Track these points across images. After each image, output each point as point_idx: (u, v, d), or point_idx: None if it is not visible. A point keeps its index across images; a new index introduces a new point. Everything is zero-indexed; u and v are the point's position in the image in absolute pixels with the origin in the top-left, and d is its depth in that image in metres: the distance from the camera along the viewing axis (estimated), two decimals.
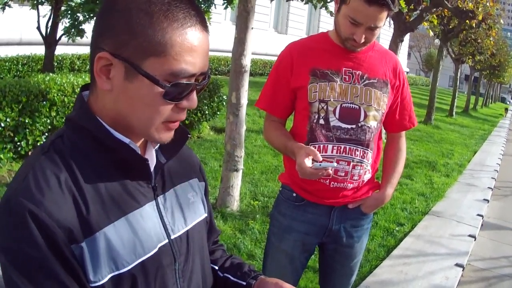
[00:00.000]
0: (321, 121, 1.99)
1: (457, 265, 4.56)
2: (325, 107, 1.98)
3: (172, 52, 0.88)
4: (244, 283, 1.23)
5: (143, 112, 0.92)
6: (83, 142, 0.95)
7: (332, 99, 1.97)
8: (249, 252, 4.11)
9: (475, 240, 5.42)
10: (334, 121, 1.98)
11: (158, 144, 1.07)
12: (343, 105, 1.98)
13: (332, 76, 1.98)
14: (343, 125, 1.98)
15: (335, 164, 1.94)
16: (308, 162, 1.81)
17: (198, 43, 0.91)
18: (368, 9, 1.81)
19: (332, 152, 1.98)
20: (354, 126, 1.99)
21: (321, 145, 1.99)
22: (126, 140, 0.97)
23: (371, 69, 2.02)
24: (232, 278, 1.26)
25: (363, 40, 1.90)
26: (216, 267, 1.28)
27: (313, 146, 1.98)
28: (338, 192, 2.05)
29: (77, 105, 1.00)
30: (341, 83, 1.98)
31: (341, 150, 1.99)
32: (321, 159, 1.83)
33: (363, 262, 4.20)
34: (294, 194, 2.12)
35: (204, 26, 0.93)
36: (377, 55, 2.06)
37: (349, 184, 2.04)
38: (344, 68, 1.99)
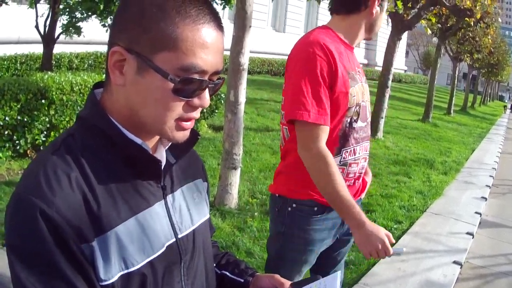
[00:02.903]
0: (353, 124, 1.93)
1: (455, 262, 4.57)
2: (358, 110, 1.93)
3: (183, 46, 0.88)
4: (242, 280, 1.26)
5: (154, 108, 0.92)
6: (94, 141, 0.95)
7: (361, 101, 1.95)
8: (247, 250, 4.11)
9: (473, 237, 5.43)
10: (358, 122, 1.95)
11: (169, 144, 1.07)
12: (362, 104, 1.96)
13: (355, 77, 1.93)
14: (362, 125, 1.98)
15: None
16: None
17: (211, 41, 0.91)
18: None
19: (359, 153, 1.99)
20: (366, 123, 2.01)
21: (351, 149, 1.95)
22: (139, 141, 0.97)
23: (358, 65, 2.02)
24: (229, 275, 1.28)
25: None
26: (213, 264, 1.29)
27: (345, 151, 1.94)
28: (357, 189, 2.07)
29: (89, 103, 0.99)
30: (359, 83, 1.95)
31: (363, 148, 2.01)
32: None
33: (361, 259, 4.21)
34: (315, 208, 1.97)
35: (219, 25, 0.93)
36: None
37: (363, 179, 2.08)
38: (356, 68, 1.97)
